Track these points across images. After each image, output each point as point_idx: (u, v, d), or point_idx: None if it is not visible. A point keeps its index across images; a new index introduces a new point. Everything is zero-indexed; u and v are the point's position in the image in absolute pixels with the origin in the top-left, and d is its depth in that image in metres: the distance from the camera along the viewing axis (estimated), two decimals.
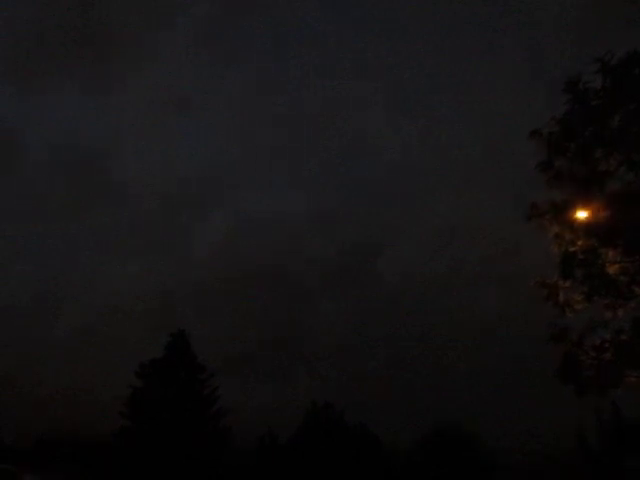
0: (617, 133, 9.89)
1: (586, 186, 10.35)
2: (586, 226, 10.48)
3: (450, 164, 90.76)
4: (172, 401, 33.02)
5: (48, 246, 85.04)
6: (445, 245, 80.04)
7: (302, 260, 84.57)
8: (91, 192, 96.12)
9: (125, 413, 34.14)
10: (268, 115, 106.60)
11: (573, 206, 10.59)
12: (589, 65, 9.99)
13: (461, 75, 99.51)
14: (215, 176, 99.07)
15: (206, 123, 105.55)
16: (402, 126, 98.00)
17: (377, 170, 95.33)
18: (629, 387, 10.41)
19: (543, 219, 10.92)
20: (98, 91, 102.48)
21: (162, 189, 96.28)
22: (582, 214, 10.54)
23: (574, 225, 10.64)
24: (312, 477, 34.78)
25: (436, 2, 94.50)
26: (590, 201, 10.38)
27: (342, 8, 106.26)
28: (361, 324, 65.53)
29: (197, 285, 74.45)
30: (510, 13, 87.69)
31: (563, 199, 10.75)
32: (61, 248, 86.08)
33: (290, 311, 69.78)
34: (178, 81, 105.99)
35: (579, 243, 10.63)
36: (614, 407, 30.68)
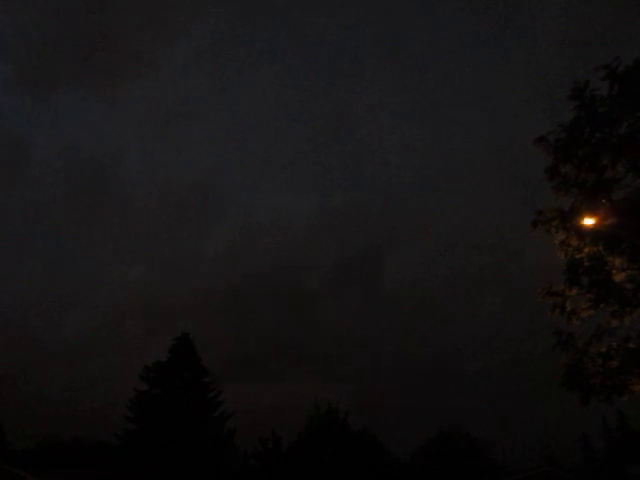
0: (624, 140, 9.82)
1: (593, 193, 10.26)
2: (592, 233, 10.39)
3: (455, 169, 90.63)
4: (176, 404, 32.94)
5: (52, 249, 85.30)
6: (448, 249, 79.90)
7: (304, 263, 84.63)
8: (98, 197, 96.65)
9: (129, 416, 34.05)
10: (271, 122, 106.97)
11: (580, 213, 10.48)
12: (597, 72, 9.94)
13: (465, 82, 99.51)
14: (218, 182, 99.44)
15: (210, 130, 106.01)
16: (407, 132, 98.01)
17: (381, 175, 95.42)
18: (635, 395, 10.33)
19: (549, 225, 10.82)
20: (105, 100, 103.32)
21: (166, 195, 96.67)
22: (589, 221, 10.43)
23: (580, 232, 10.55)
24: None
25: (443, 11, 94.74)
26: (597, 208, 10.28)
27: (351, 16, 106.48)
28: (363, 327, 65.44)
29: (201, 288, 74.62)
30: (516, 20, 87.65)
31: (570, 206, 10.66)
32: (67, 251, 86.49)
33: (293, 314, 69.79)
34: (183, 90, 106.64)
35: (585, 250, 10.54)
36: (619, 414, 30.59)
